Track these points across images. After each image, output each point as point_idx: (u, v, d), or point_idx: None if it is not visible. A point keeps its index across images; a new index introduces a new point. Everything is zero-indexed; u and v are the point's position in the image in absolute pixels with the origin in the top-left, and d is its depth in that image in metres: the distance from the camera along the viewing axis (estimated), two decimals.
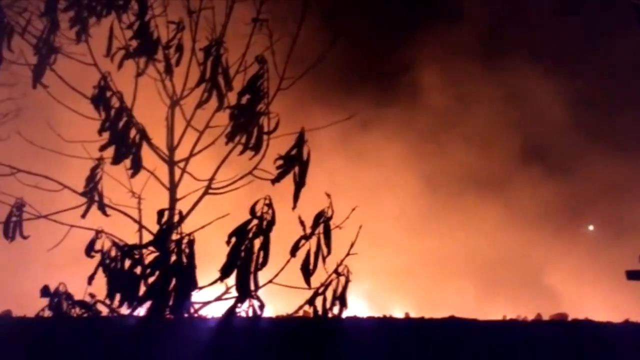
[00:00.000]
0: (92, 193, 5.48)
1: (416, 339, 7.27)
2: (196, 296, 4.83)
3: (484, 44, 19.30)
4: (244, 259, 4.41)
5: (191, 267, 4.45)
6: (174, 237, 4.48)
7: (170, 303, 4.41)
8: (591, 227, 19.53)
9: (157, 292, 4.43)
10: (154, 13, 5.73)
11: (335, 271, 4.76)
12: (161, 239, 4.53)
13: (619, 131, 18.37)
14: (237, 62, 6.03)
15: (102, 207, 5.51)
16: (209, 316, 5.39)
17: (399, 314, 13.56)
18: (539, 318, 11.32)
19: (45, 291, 4.66)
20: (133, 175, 5.43)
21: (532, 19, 19.70)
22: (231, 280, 4.47)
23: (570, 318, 10.53)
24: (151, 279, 4.46)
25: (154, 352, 4.60)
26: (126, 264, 4.64)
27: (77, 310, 4.68)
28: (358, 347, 6.65)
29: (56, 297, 4.65)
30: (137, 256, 4.64)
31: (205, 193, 6.04)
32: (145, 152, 5.44)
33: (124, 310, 4.59)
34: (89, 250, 4.81)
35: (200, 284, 4.57)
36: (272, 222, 4.48)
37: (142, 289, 4.51)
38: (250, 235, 4.44)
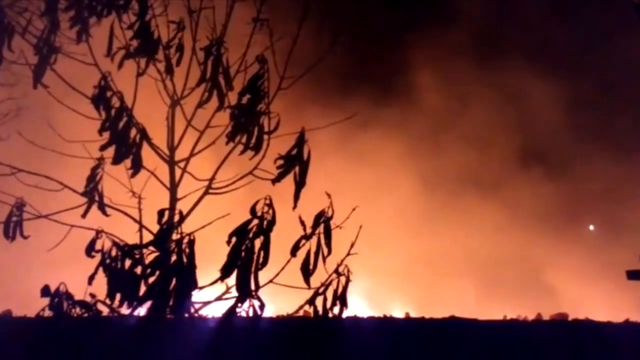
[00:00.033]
0: (92, 193, 5.47)
1: (416, 338, 7.26)
2: (196, 296, 4.83)
3: (483, 44, 19.30)
4: (244, 259, 4.41)
5: (191, 267, 4.45)
6: (174, 237, 4.48)
7: (171, 303, 4.41)
8: (591, 227, 19.51)
9: (157, 292, 4.43)
10: (155, 13, 5.71)
11: (336, 271, 4.77)
12: (161, 239, 4.53)
13: (618, 131, 18.38)
14: (238, 61, 6.04)
15: (102, 207, 5.50)
16: (209, 316, 5.39)
17: (399, 313, 13.57)
18: (539, 318, 11.31)
19: (45, 291, 4.65)
20: (133, 175, 5.42)
21: (532, 19, 19.69)
22: (231, 280, 4.47)
23: (570, 318, 10.53)
24: (151, 279, 4.47)
25: (154, 352, 4.59)
26: (126, 263, 4.64)
27: (77, 310, 4.68)
28: (358, 347, 6.64)
29: (56, 297, 4.65)
30: (137, 256, 4.65)
31: (206, 193, 6.05)
32: (146, 152, 5.43)
33: (124, 310, 4.59)
34: (90, 250, 4.82)
35: (200, 284, 4.57)
36: (272, 222, 4.48)
37: (143, 289, 4.51)
38: (251, 235, 4.44)
